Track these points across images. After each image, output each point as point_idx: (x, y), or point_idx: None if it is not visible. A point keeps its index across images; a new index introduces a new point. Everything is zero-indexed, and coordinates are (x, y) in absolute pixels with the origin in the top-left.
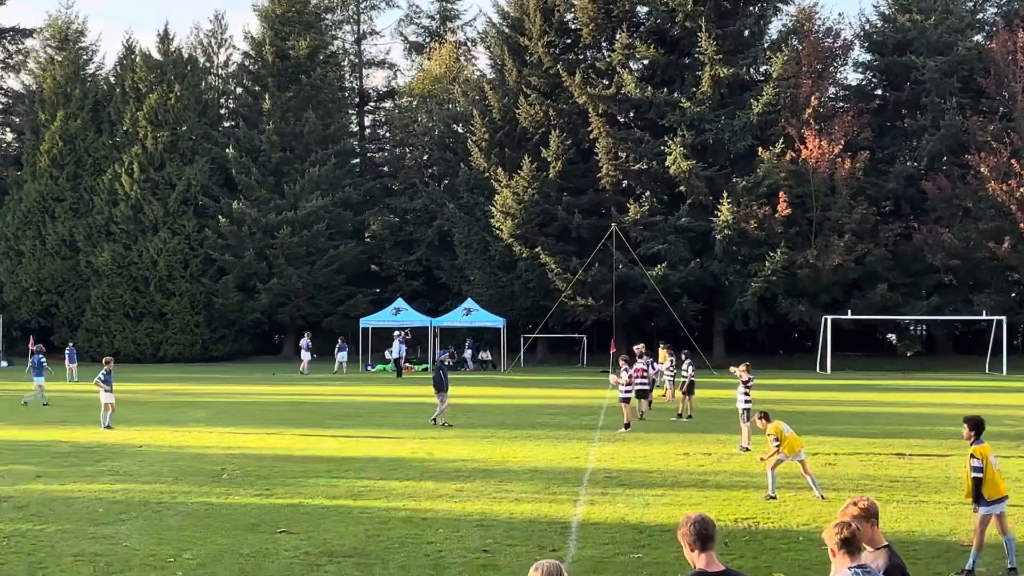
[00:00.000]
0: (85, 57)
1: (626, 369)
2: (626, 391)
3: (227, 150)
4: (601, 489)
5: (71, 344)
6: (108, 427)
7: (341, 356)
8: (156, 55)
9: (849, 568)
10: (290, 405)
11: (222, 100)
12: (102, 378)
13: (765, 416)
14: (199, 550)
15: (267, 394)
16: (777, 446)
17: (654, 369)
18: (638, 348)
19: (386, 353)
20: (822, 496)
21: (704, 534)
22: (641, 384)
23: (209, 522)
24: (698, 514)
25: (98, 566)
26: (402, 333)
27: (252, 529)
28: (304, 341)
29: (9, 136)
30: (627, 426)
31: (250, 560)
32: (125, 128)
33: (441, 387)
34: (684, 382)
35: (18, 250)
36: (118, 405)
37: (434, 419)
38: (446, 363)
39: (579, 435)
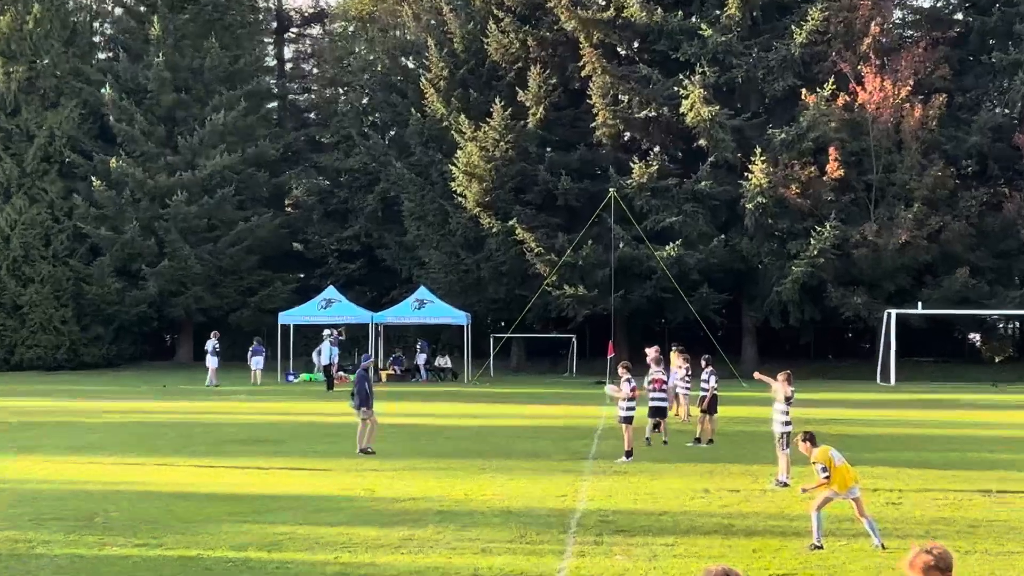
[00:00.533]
0: None
1: (628, 379)
2: (628, 409)
3: (103, 90)
4: (595, 537)
5: None
6: None
7: (256, 362)
8: None
9: None
10: (187, 427)
11: (96, 24)
12: None
13: (810, 438)
14: None
15: (157, 412)
16: (826, 478)
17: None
18: (652, 352)
19: (313, 357)
20: (882, 545)
21: None
22: (659, 400)
23: None
24: (721, 568)
25: None
26: (334, 332)
27: None
28: (211, 343)
29: None
30: (628, 454)
31: None
32: None
33: (364, 402)
34: (703, 397)
35: None
36: None
37: (364, 449)
38: (369, 371)
39: (566, 466)
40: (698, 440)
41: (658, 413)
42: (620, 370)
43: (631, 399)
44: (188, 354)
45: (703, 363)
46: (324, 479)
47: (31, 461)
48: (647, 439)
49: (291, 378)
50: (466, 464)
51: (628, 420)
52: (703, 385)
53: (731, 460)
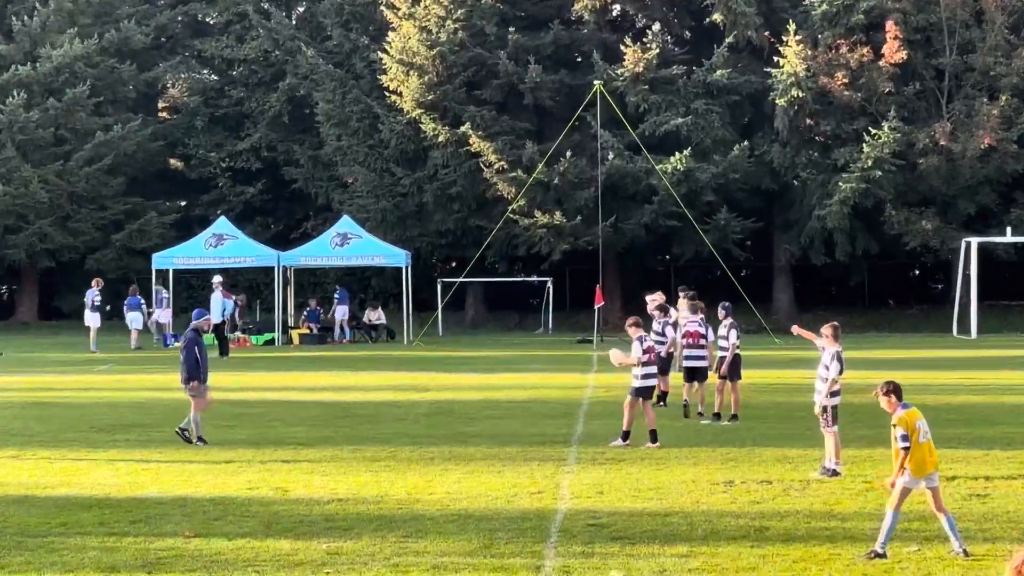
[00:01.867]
0: None
1: (641, 337)
2: (644, 377)
3: None
4: (583, 546)
5: None
6: None
7: (134, 320)
8: None
9: None
10: (31, 409)
11: None
12: None
13: (895, 391)
14: None
15: None
16: (905, 448)
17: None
18: (654, 299)
19: (215, 310)
20: (964, 551)
21: None
22: (696, 358)
23: None
24: None
25: None
26: (226, 280)
27: None
28: (91, 295)
29: None
30: (626, 435)
31: None
32: None
33: (194, 374)
34: (723, 358)
35: None
36: None
37: (183, 429)
38: (202, 331)
39: (543, 453)
40: (717, 416)
41: (695, 376)
42: (629, 328)
43: (647, 363)
44: (32, 311)
45: (721, 313)
46: (220, 476)
47: None
48: (685, 405)
49: (171, 341)
50: (409, 453)
51: (645, 393)
52: (721, 343)
53: (761, 441)
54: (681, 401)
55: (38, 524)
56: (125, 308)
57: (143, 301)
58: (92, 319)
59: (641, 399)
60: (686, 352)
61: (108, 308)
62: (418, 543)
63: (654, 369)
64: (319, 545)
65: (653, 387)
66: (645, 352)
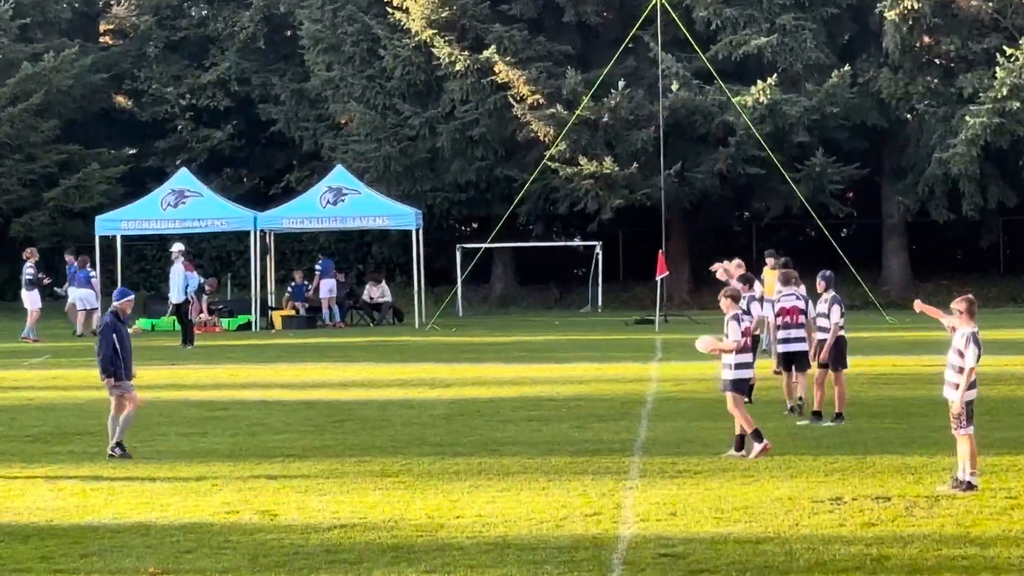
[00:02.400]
0: None
1: (737, 316)
2: (739, 367)
3: None
4: None
5: None
6: None
7: (81, 298)
8: None
9: None
10: None
11: None
12: None
13: None
14: None
15: None
16: None
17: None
18: (731, 268)
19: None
20: None
21: None
22: (795, 340)
23: None
24: None
25: None
26: (190, 249)
27: None
28: (28, 270)
29: None
30: (757, 436)
31: None
32: None
33: (112, 366)
34: (822, 341)
35: None
36: None
37: (115, 448)
38: (123, 314)
39: (597, 465)
40: (817, 415)
41: (793, 362)
42: (724, 302)
43: (745, 350)
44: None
45: (820, 285)
46: (189, 497)
47: None
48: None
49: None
50: (428, 466)
51: (742, 387)
52: (821, 322)
53: (875, 448)
54: (782, 398)
55: None
56: (66, 285)
57: (93, 274)
58: (30, 299)
59: (733, 394)
60: (781, 334)
61: (48, 283)
62: None
63: (751, 357)
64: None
65: (749, 379)
66: (744, 335)
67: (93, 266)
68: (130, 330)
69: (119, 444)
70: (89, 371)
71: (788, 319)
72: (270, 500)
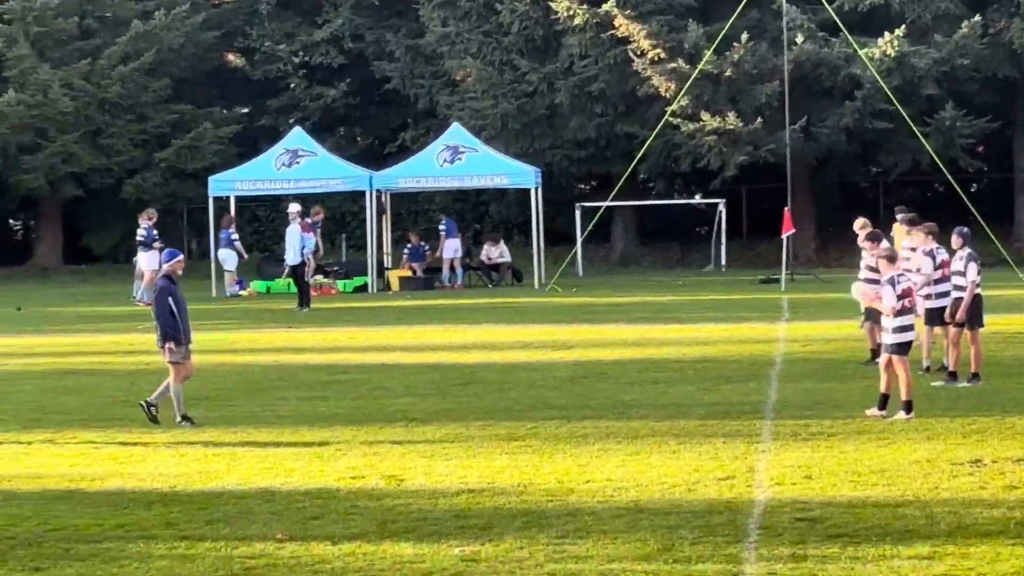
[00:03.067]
0: None
1: (893, 280)
2: (900, 330)
3: None
4: (792, 548)
5: None
6: None
7: (226, 258)
8: None
9: None
10: (61, 379)
11: None
12: None
13: None
14: None
15: (6, 354)
16: None
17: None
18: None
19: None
20: None
21: None
22: (941, 296)
23: None
24: None
25: None
26: (307, 210)
27: None
28: (145, 228)
29: None
30: (908, 407)
31: None
32: None
33: (175, 330)
34: (957, 300)
35: None
36: None
37: (149, 404)
38: (174, 274)
39: (727, 427)
40: (952, 375)
41: (933, 319)
42: (880, 262)
43: (904, 311)
44: (54, 253)
45: (956, 242)
46: (314, 462)
47: None
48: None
49: (237, 289)
50: (555, 429)
51: (905, 349)
52: (957, 280)
53: (1014, 408)
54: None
55: (89, 526)
56: (222, 243)
57: (236, 236)
58: (148, 260)
59: (897, 356)
60: (926, 291)
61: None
62: (577, 545)
63: (911, 318)
64: (450, 549)
65: (910, 342)
66: (901, 297)
67: (206, 229)
68: (244, 292)
69: (148, 404)
70: (203, 334)
71: (943, 273)
72: (395, 465)
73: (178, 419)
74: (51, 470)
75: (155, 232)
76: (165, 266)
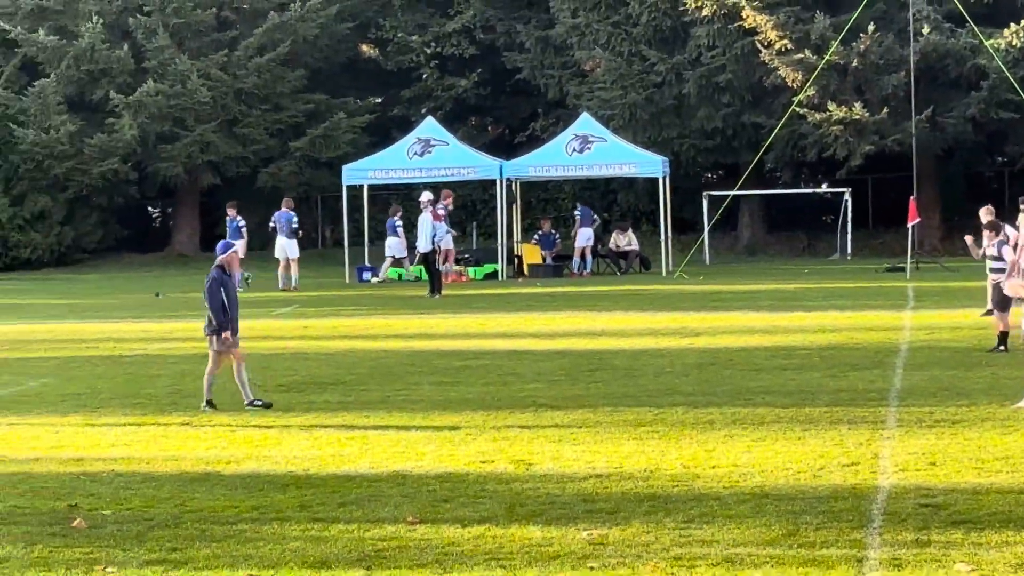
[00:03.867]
0: None
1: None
2: None
3: None
4: (915, 532)
5: None
6: None
7: (389, 244)
8: None
9: None
10: (198, 363)
11: None
12: None
13: None
14: None
15: (146, 339)
16: None
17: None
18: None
19: (389, 244)
20: None
21: None
22: None
23: None
24: None
25: None
26: (436, 198)
27: None
28: (285, 216)
29: None
30: None
31: None
32: None
33: (223, 320)
34: None
35: None
36: None
37: (251, 402)
38: (232, 268)
39: (853, 414)
40: None
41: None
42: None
43: None
44: (192, 240)
45: None
46: (444, 446)
47: None
48: None
49: (368, 276)
50: (681, 415)
51: None
52: None
53: None
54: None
55: (225, 508)
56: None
57: (399, 223)
58: (289, 248)
59: None
60: None
61: (300, 234)
62: (703, 530)
63: None
64: (578, 533)
65: None
66: None
67: (340, 217)
68: (374, 280)
69: (251, 403)
70: (337, 320)
71: None
72: (524, 449)
73: (203, 405)
74: (188, 453)
75: (242, 223)
76: (220, 257)
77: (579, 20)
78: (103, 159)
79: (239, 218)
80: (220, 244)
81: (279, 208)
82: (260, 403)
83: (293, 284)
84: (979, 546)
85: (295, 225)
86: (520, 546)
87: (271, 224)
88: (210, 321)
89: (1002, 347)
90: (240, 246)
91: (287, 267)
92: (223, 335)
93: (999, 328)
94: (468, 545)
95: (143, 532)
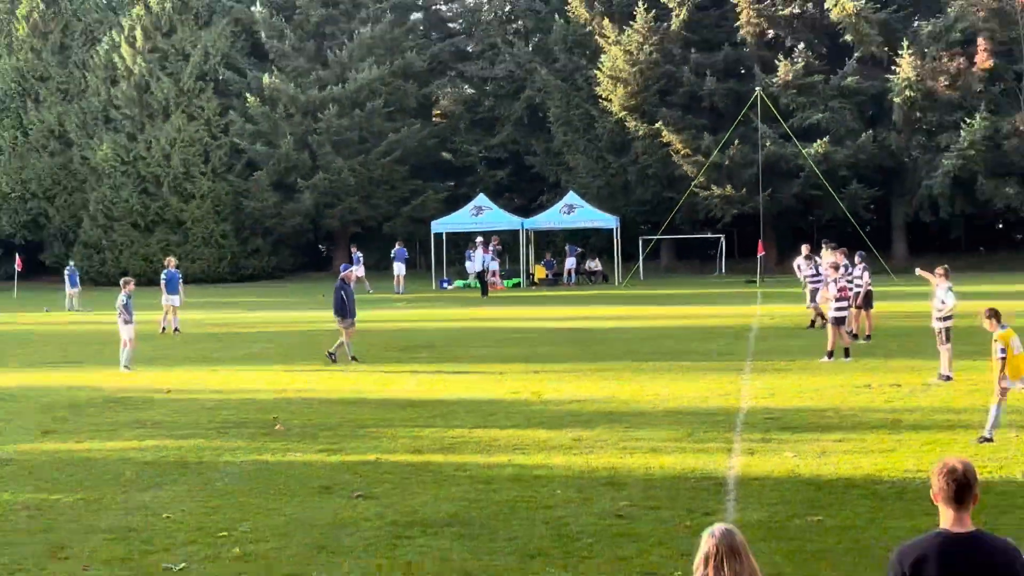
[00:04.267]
0: None
1: (837, 279)
2: (838, 308)
3: (253, 8)
4: (761, 435)
5: (71, 264)
6: (127, 368)
7: (398, 268)
8: None
9: None
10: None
11: None
12: (123, 302)
13: (995, 315)
14: (258, 521)
15: (317, 322)
16: (1002, 359)
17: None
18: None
19: (467, 266)
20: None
21: (961, 487)
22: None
23: (266, 485)
24: (959, 461)
25: (133, 544)
26: (486, 240)
27: (320, 493)
28: (400, 251)
29: None
30: (830, 355)
31: (322, 532)
32: None
33: (343, 312)
34: (858, 292)
35: None
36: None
37: (331, 353)
38: (349, 280)
39: (725, 365)
40: (855, 336)
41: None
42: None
43: (841, 299)
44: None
45: (856, 259)
46: (491, 383)
47: (205, 371)
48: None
49: (445, 285)
50: (627, 365)
51: (840, 321)
52: (857, 281)
53: (891, 355)
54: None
55: (365, 419)
56: (393, 257)
57: (406, 253)
58: (399, 269)
59: (836, 326)
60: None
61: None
62: (639, 432)
63: (845, 304)
64: (566, 434)
65: (844, 317)
66: (839, 291)
67: (429, 251)
68: (449, 287)
69: (352, 358)
70: (430, 310)
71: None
72: (538, 386)
73: (349, 358)
74: (344, 387)
75: (361, 255)
76: (342, 274)
77: (568, 138)
78: (292, 217)
79: (359, 253)
80: (342, 266)
81: (395, 246)
82: (334, 358)
83: (401, 290)
84: (799, 442)
85: (406, 256)
86: (533, 441)
87: (392, 254)
88: (336, 312)
89: (813, 326)
90: (358, 270)
91: (399, 280)
92: (338, 318)
93: (821, 315)
94: (504, 441)
95: (316, 432)
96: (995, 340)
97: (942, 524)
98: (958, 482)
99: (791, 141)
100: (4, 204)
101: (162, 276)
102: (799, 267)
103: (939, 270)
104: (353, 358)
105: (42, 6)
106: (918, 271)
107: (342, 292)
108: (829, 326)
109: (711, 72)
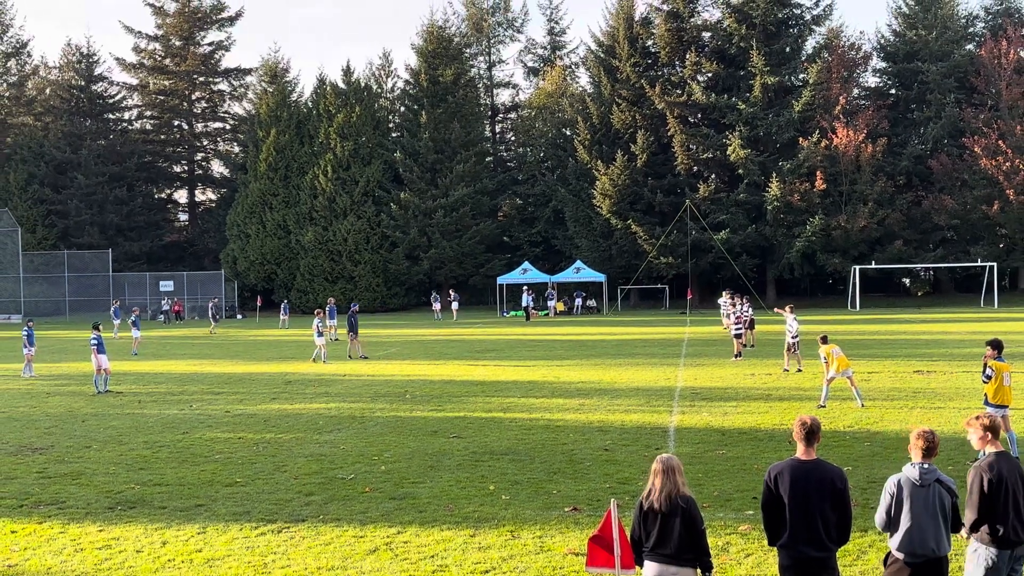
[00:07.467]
0: (290, 88)
1: (735, 311)
2: (737, 328)
3: (395, 154)
4: (690, 403)
5: (286, 300)
6: (324, 362)
7: (455, 305)
8: (341, 85)
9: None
10: (449, 343)
11: (390, 117)
12: (316, 324)
13: (823, 339)
14: (396, 450)
15: (431, 335)
16: (825, 363)
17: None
18: (725, 295)
19: (523, 301)
20: (863, 404)
21: (809, 432)
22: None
23: (400, 430)
24: (809, 417)
25: (324, 463)
26: (529, 289)
27: (431, 435)
28: (437, 296)
29: (237, 149)
30: (738, 355)
31: (432, 457)
32: (320, 140)
33: (353, 329)
34: (748, 319)
35: (246, 233)
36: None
37: (350, 355)
38: (356, 311)
39: (668, 362)
40: (744, 346)
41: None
42: (729, 303)
43: (739, 323)
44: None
45: (745, 300)
46: (530, 371)
47: (363, 364)
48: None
49: (505, 314)
50: (609, 361)
51: (739, 336)
52: (746, 313)
53: (765, 357)
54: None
55: (457, 392)
56: (451, 300)
57: (460, 296)
58: (455, 305)
59: (736, 339)
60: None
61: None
62: (616, 401)
63: (742, 328)
64: (575, 401)
65: (741, 333)
66: (737, 319)
67: (501, 296)
68: (507, 316)
69: (362, 356)
70: (486, 328)
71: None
72: (552, 373)
73: (360, 355)
74: (446, 374)
75: (437, 295)
76: (353, 308)
77: (576, 229)
78: (416, 275)
79: (456, 294)
80: (353, 304)
81: (481, 293)
82: (360, 356)
83: (455, 317)
84: (713, 407)
85: (459, 298)
86: (555, 405)
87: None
88: (347, 328)
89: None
90: (454, 305)
91: (454, 312)
92: (350, 334)
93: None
94: (538, 405)
95: (428, 399)
96: (819, 353)
97: (797, 454)
98: (807, 428)
99: (707, 231)
100: (251, 267)
101: (325, 308)
102: (722, 303)
103: (788, 307)
104: (364, 357)
105: (274, 153)
106: (775, 308)
107: (353, 318)
108: (734, 338)
109: (660, 191)
